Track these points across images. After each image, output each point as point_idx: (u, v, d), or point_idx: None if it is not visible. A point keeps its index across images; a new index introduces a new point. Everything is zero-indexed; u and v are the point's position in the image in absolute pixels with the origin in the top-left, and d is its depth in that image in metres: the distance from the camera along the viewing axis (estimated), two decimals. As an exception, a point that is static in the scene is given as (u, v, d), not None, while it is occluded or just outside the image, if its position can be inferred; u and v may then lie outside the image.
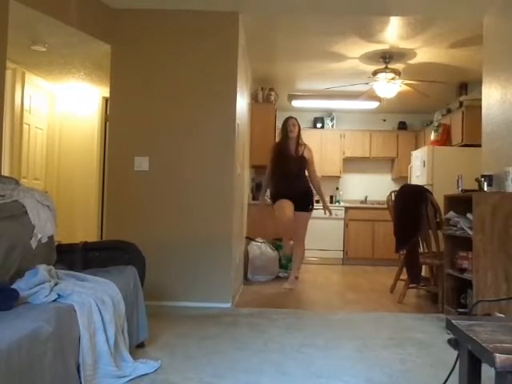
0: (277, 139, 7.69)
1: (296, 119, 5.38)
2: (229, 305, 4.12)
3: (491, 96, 4.11)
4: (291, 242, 5.40)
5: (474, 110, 5.46)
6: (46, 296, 2.08)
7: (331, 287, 5.71)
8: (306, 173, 5.36)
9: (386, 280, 5.77)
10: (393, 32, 4.76)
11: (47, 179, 5.57)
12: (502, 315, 2.85)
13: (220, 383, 2.37)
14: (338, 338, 3.22)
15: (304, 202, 5.25)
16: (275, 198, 5.29)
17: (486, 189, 3.80)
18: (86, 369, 2.06)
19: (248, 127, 5.95)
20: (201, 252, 4.15)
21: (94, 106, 5.82)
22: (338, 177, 8.38)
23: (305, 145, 5.36)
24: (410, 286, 4.79)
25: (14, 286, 2.09)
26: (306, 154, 5.29)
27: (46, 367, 1.75)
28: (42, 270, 2.25)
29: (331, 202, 8.35)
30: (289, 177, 5.23)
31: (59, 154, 5.77)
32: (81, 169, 5.77)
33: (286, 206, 5.14)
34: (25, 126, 5.01)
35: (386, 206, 5.59)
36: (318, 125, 8.36)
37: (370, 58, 5.50)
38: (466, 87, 6.46)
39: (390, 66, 5.60)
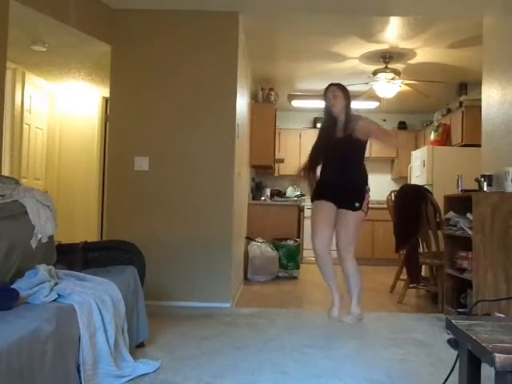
0: (277, 141, 7.65)
1: (340, 85, 3.82)
2: (229, 305, 4.12)
3: (491, 96, 4.11)
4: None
5: (474, 109, 5.47)
6: (46, 296, 2.07)
7: (331, 287, 5.70)
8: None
9: (385, 280, 5.76)
10: (393, 32, 4.76)
11: (47, 179, 5.57)
12: (502, 315, 2.85)
13: (220, 383, 2.37)
14: (338, 338, 3.21)
15: (349, 197, 3.74)
16: (315, 191, 3.89)
17: (485, 189, 3.80)
18: (86, 369, 2.06)
19: (248, 127, 5.95)
20: (201, 252, 4.14)
21: (94, 106, 5.81)
22: (338, 177, 8.37)
23: (357, 117, 3.78)
24: (410, 285, 4.79)
25: (13, 286, 2.09)
26: (358, 133, 3.69)
27: (46, 367, 1.75)
28: (42, 269, 2.26)
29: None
30: (332, 164, 3.80)
31: (59, 153, 5.77)
32: (81, 169, 5.77)
33: (324, 214, 3.73)
34: (25, 126, 5.01)
35: (385, 205, 5.59)
36: (318, 125, 8.34)
37: (369, 58, 5.50)
38: (465, 87, 6.46)
39: (389, 66, 5.60)
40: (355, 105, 7.53)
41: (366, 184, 3.82)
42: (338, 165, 3.75)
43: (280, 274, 5.88)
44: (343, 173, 3.74)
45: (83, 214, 5.69)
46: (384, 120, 8.45)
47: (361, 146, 3.78)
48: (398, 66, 5.71)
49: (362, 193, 3.77)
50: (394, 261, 5.80)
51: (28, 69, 4.92)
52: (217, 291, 4.12)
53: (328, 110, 3.84)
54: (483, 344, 1.33)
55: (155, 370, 2.46)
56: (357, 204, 3.70)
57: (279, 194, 7.66)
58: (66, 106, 5.78)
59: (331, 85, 3.84)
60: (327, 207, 3.75)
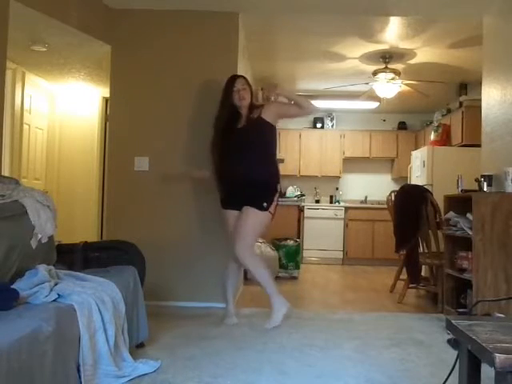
0: (277, 141, 7.54)
1: (245, 78, 3.68)
2: (229, 305, 4.12)
3: (491, 96, 4.11)
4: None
5: (474, 110, 5.46)
6: (46, 296, 2.08)
7: (331, 287, 5.70)
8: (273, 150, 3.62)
9: (386, 280, 5.76)
10: (393, 32, 4.76)
11: (47, 179, 5.57)
12: (502, 315, 2.86)
13: (220, 383, 2.37)
14: (337, 338, 3.21)
15: (255, 193, 3.43)
16: (221, 197, 3.64)
17: (485, 189, 3.80)
18: (86, 369, 2.06)
19: (248, 127, 5.93)
20: (200, 252, 4.14)
21: (94, 106, 5.81)
22: (338, 177, 8.38)
23: (263, 105, 3.60)
24: (410, 286, 4.79)
25: (13, 286, 2.09)
26: (264, 114, 3.52)
27: (46, 367, 1.75)
28: (42, 269, 2.26)
29: (331, 203, 8.35)
30: (234, 155, 3.43)
31: (59, 154, 5.77)
32: (81, 169, 5.77)
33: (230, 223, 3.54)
34: (25, 126, 5.01)
35: (385, 206, 5.59)
36: (318, 125, 8.36)
37: (369, 58, 5.50)
38: (465, 87, 6.46)
39: (389, 66, 5.60)
40: (355, 105, 7.52)
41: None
42: (241, 151, 3.45)
43: (280, 274, 5.87)
44: (247, 159, 3.44)
45: (83, 214, 5.69)
46: (384, 120, 8.46)
47: (267, 125, 3.54)
48: (398, 66, 5.70)
49: (267, 186, 3.51)
50: (394, 261, 5.80)
51: (28, 69, 4.92)
52: (217, 291, 4.11)
53: (227, 105, 3.55)
54: (483, 344, 1.33)
55: (155, 370, 2.46)
56: (264, 203, 3.45)
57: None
58: (65, 106, 5.78)
59: (237, 76, 3.66)
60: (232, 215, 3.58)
